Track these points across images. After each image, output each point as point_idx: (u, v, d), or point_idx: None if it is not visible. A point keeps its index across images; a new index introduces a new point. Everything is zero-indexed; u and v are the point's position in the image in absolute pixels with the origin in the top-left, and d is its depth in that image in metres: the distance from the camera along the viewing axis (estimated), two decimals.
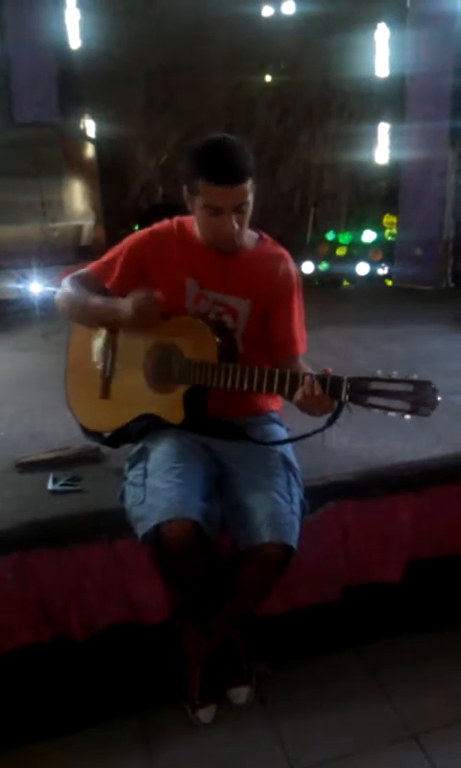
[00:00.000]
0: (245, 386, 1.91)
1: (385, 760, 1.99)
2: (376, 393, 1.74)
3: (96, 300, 2.14)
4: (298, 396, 1.84)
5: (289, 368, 1.98)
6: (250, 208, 1.99)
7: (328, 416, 1.85)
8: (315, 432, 1.93)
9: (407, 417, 1.73)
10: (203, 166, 1.92)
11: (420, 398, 1.71)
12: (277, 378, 1.89)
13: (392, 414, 1.73)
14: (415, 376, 1.73)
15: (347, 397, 1.77)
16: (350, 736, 2.06)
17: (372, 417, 1.79)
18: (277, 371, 1.90)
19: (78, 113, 5.48)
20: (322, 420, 1.88)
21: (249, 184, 1.94)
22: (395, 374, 1.74)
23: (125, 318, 2.07)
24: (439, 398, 1.70)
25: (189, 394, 2.02)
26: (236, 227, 1.97)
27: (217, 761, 2.00)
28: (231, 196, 1.92)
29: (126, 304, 2.05)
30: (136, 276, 2.13)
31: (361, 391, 1.76)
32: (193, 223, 2.09)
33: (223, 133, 2.00)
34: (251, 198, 1.97)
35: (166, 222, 2.16)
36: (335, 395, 1.79)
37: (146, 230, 2.16)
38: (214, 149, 1.94)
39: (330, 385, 1.80)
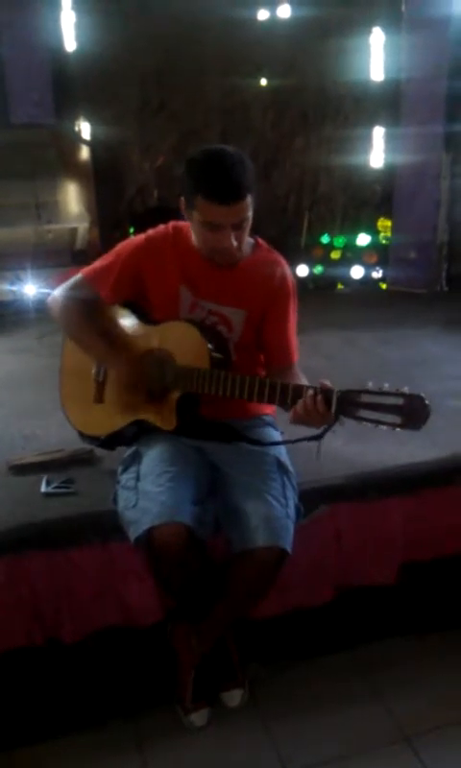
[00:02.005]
0: (236, 394, 1.90)
1: (378, 762, 2.00)
2: (367, 406, 1.73)
3: (91, 341, 2.14)
4: (298, 407, 1.82)
5: (285, 376, 1.97)
6: (249, 224, 1.96)
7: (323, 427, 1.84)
8: (307, 439, 1.92)
9: (398, 430, 1.72)
10: (202, 183, 1.87)
11: (410, 412, 1.69)
12: (268, 388, 1.87)
13: (383, 427, 1.72)
14: (406, 389, 1.71)
15: (336, 410, 1.76)
16: (343, 738, 2.06)
17: None
18: (268, 380, 1.88)
19: (73, 115, 5.47)
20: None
21: (249, 200, 1.90)
22: (386, 387, 1.73)
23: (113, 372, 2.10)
24: (429, 412, 1.70)
25: (182, 400, 2.02)
26: (235, 243, 1.95)
27: (210, 764, 2.00)
28: (231, 214, 1.89)
29: (115, 365, 2.07)
30: (132, 285, 2.11)
31: (351, 403, 1.75)
32: (190, 229, 2.06)
33: (222, 145, 1.94)
34: (250, 213, 1.93)
35: (162, 228, 2.13)
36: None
37: (141, 237, 2.13)
38: (214, 164, 1.88)
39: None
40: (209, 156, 1.91)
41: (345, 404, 1.75)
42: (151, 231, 2.14)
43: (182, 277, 2.07)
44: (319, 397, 1.78)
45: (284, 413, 1.96)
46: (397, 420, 1.71)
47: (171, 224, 2.13)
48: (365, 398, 1.73)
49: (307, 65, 5.70)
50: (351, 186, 6.08)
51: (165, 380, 2.03)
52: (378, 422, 1.72)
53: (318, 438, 1.88)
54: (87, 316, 2.15)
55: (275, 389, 1.87)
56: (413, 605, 2.45)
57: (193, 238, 2.05)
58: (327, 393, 1.78)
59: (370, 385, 1.74)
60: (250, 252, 2.11)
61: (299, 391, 1.83)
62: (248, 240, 2.08)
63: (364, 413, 1.73)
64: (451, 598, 2.49)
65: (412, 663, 2.33)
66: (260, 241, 2.16)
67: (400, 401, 1.70)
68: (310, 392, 1.80)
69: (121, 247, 2.16)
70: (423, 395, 1.70)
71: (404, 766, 1.97)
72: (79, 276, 2.19)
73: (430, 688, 2.23)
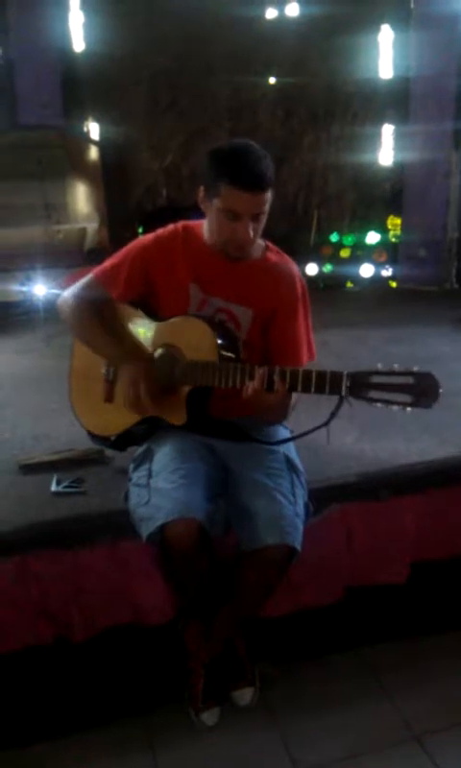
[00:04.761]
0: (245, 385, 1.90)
1: (388, 761, 1.99)
2: (377, 386, 1.72)
3: (102, 342, 2.13)
4: (248, 389, 1.86)
5: None
6: (265, 218, 1.99)
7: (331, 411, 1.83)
8: (316, 429, 1.92)
9: (409, 410, 1.71)
10: (229, 170, 1.90)
11: (421, 390, 1.69)
12: (277, 375, 1.86)
13: (394, 407, 1.71)
14: (415, 368, 1.71)
15: (347, 392, 1.76)
16: (353, 738, 2.06)
17: (376, 417, 1.78)
18: (276, 368, 1.86)
19: (82, 116, 5.49)
20: (325, 417, 1.85)
21: (269, 194, 1.94)
22: (396, 367, 1.73)
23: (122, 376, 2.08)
24: (439, 389, 1.69)
25: (192, 395, 2.02)
26: (251, 234, 1.96)
27: (221, 763, 2.00)
28: (253, 203, 1.91)
29: (127, 373, 2.05)
30: (142, 284, 2.12)
31: (362, 385, 1.74)
32: (200, 227, 2.08)
33: (248, 140, 1.98)
34: (268, 208, 1.96)
35: (171, 227, 2.14)
36: (335, 389, 1.77)
37: (150, 237, 2.14)
38: (242, 154, 1.92)
39: (330, 380, 1.77)
40: (238, 147, 1.96)
41: (355, 385, 1.75)
42: (160, 230, 2.14)
43: (192, 275, 2.07)
44: (259, 376, 1.83)
45: (295, 410, 1.96)
46: (407, 398, 1.70)
47: (180, 223, 2.14)
48: (375, 379, 1.73)
49: (316, 63, 5.69)
50: (360, 184, 6.07)
51: (175, 375, 2.03)
52: (389, 402, 1.71)
53: (326, 424, 1.87)
54: (97, 317, 2.16)
55: (284, 376, 1.85)
56: (423, 604, 2.44)
57: (205, 232, 2.06)
58: (333, 374, 1.77)
59: (379, 366, 1.73)
60: (260, 254, 2.12)
61: (297, 376, 1.82)
62: (259, 242, 2.09)
63: (374, 393, 1.73)
64: None
65: (422, 663, 2.32)
66: (271, 245, 2.16)
67: (410, 380, 1.70)
68: (260, 371, 1.84)
69: (130, 246, 2.16)
70: (432, 372, 1.69)
71: (415, 765, 1.96)
72: (89, 276, 2.20)
73: (440, 688, 2.22)
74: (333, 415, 1.82)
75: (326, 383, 1.78)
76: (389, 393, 1.72)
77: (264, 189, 1.92)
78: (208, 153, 1.97)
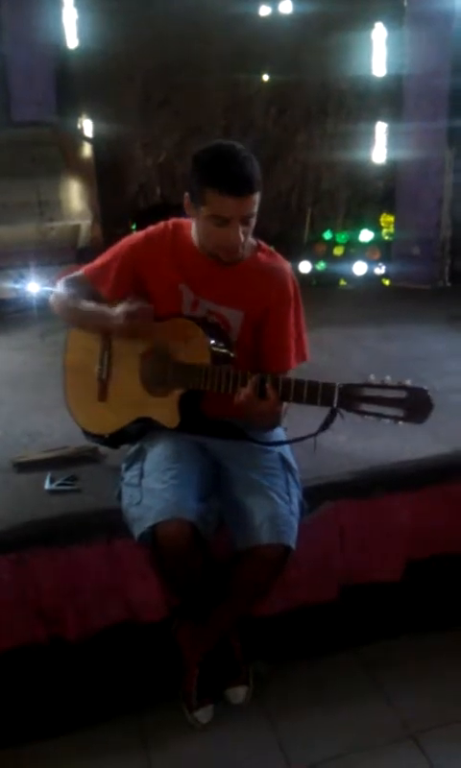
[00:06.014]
0: (237, 390, 1.90)
1: (383, 760, 2.00)
2: (369, 399, 1.73)
3: (87, 306, 2.12)
4: (240, 396, 1.85)
5: None
6: (255, 221, 1.95)
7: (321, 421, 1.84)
8: (307, 437, 1.94)
9: (400, 423, 1.72)
10: (213, 175, 1.86)
11: (413, 405, 1.69)
12: (268, 383, 1.86)
13: (386, 421, 1.72)
14: (408, 382, 1.71)
15: (338, 404, 1.76)
16: (348, 736, 2.06)
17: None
18: (268, 375, 1.87)
19: (75, 113, 5.47)
20: (321, 416, 1.86)
21: (257, 196, 1.90)
22: (388, 380, 1.72)
23: (115, 326, 2.06)
24: (432, 405, 1.69)
25: (185, 397, 2.01)
26: (242, 238, 1.93)
27: (215, 761, 2.01)
28: (241, 207, 1.88)
29: (117, 315, 2.03)
30: (131, 282, 2.10)
31: (353, 397, 1.74)
32: (190, 227, 2.06)
33: (231, 141, 1.94)
34: (256, 209, 1.93)
35: (161, 224, 2.12)
36: (327, 401, 1.77)
37: (140, 234, 2.13)
38: (225, 158, 1.88)
39: (322, 392, 1.78)
40: (221, 151, 1.90)
41: (346, 398, 1.75)
42: (150, 228, 2.14)
43: (182, 275, 2.06)
44: (251, 382, 1.84)
45: (290, 410, 1.96)
46: (399, 413, 1.71)
47: (171, 220, 2.12)
48: (367, 392, 1.73)
49: (309, 61, 5.68)
50: (353, 182, 6.06)
51: (167, 377, 2.02)
52: (381, 416, 1.72)
53: (315, 435, 1.89)
54: (79, 291, 2.15)
55: (277, 383, 1.85)
56: (418, 602, 2.44)
57: (194, 236, 2.04)
58: (325, 386, 1.77)
59: (371, 378, 1.74)
60: (250, 255, 2.09)
61: (290, 383, 1.83)
62: (250, 241, 2.07)
63: (366, 406, 1.73)
64: (457, 595, 2.49)
65: (417, 661, 2.33)
66: (262, 244, 2.14)
67: (402, 394, 1.70)
68: (255, 378, 1.84)
69: (120, 244, 2.16)
70: (425, 387, 1.70)
71: (410, 763, 1.97)
72: (80, 272, 2.20)
73: (436, 686, 2.23)
74: (325, 426, 1.84)
75: (317, 395, 1.79)
76: (381, 406, 1.72)
77: (251, 192, 1.88)
78: (192, 158, 1.93)
